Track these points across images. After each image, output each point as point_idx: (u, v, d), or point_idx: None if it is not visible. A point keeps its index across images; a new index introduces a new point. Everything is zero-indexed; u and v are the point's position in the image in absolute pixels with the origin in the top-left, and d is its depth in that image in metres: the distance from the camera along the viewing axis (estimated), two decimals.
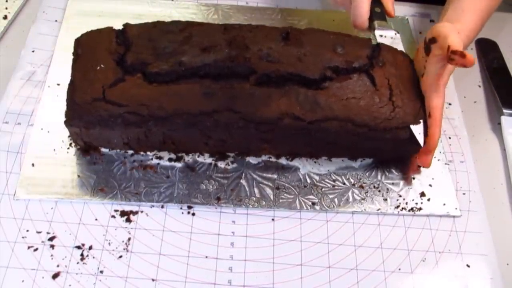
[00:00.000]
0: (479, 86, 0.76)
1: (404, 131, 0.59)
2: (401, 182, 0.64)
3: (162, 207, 0.59)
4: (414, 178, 0.64)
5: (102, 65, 0.57)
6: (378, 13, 0.67)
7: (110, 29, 0.61)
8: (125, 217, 0.58)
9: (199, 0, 0.80)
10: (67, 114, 0.57)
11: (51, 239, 0.56)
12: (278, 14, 0.80)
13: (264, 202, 0.60)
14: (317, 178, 0.63)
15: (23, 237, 0.56)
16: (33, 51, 0.71)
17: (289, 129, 0.58)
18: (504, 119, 0.70)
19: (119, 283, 0.54)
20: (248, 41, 0.60)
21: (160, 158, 0.62)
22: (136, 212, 0.59)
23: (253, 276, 0.56)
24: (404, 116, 0.58)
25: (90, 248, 0.56)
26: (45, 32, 0.73)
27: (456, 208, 0.62)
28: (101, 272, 0.54)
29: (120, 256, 0.56)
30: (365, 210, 0.61)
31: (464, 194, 0.64)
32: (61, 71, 0.66)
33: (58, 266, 0.54)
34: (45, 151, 0.61)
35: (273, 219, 0.60)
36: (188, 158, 0.63)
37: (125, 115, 0.56)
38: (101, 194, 0.59)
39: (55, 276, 0.54)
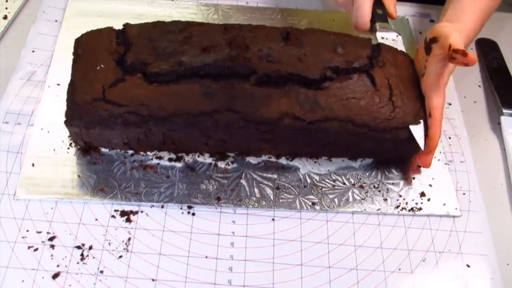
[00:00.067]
0: (479, 86, 0.76)
1: (404, 131, 0.59)
2: (401, 182, 0.64)
3: (162, 207, 0.59)
4: (414, 178, 0.64)
5: (102, 65, 0.57)
6: (380, 15, 0.66)
7: (110, 29, 0.61)
8: (125, 217, 0.58)
9: (199, 0, 0.80)
10: (67, 114, 0.57)
11: (51, 239, 0.56)
12: (278, 14, 0.80)
13: (264, 202, 0.60)
14: (317, 178, 0.63)
15: (23, 237, 0.56)
16: (33, 51, 0.71)
17: (289, 129, 0.58)
18: (504, 119, 0.70)
19: (119, 283, 0.54)
20: (248, 41, 0.60)
21: (160, 158, 0.62)
22: (136, 212, 0.59)
23: (253, 276, 0.56)
24: (404, 116, 0.58)
25: (90, 248, 0.56)
26: (45, 32, 0.73)
27: (456, 208, 0.62)
28: (101, 272, 0.54)
29: (120, 256, 0.56)
30: (365, 210, 0.61)
31: (464, 194, 0.64)
32: (61, 71, 0.66)
33: (58, 266, 0.54)
34: (45, 151, 0.61)
35: (273, 219, 0.60)
36: (188, 158, 0.63)
37: (125, 115, 0.56)
38: (101, 194, 0.59)
39: (55, 276, 0.54)
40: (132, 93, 0.56)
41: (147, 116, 0.56)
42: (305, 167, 0.64)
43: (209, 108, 0.56)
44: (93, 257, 0.55)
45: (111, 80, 0.57)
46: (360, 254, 0.58)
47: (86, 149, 0.62)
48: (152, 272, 0.55)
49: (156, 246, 0.57)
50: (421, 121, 0.59)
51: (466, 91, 0.75)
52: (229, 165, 0.63)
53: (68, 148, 0.62)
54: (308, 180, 0.63)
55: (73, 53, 0.60)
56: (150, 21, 0.62)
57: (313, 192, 0.62)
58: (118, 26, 0.62)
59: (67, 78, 0.58)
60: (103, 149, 0.62)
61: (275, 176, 0.63)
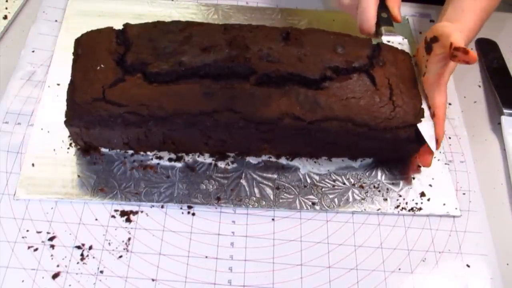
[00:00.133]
0: (479, 86, 0.76)
1: (404, 130, 0.59)
2: (401, 182, 0.64)
3: (162, 207, 0.59)
4: (414, 178, 0.64)
5: (102, 65, 0.57)
6: (385, 19, 0.66)
7: (110, 29, 0.61)
8: (125, 217, 0.58)
9: (199, 0, 0.80)
10: (67, 114, 0.57)
11: (51, 239, 0.56)
12: (278, 14, 0.80)
13: (264, 202, 0.60)
14: (317, 178, 0.63)
15: (23, 237, 0.56)
16: (33, 51, 0.71)
17: (289, 129, 0.58)
18: (504, 119, 0.70)
19: (119, 283, 0.54)
20: (248, 41, 0.60)
21: (160, 158, 0.62)
22: (136, 212, 0.59)
23: (253, 276, 0.56)
24: (405, 116, 0.58)
25: (90, 248, 0.56)
26: (45, 32, 0.73)
27: (456, 208, 0.62)
28: (101, 272, 0.54)
29: (120, 256, 0.56)
30: (365, 210, 0.61)
31: (464, 194, 0.64)
32: (61, 71, 0.66)
33: (58, 266, 0.54)
34: (45, 151, 0.61)
35: (273, 219, 0.60)
36: (188, 158, 0.63)
37: (125, 115, 0.56)
38: (101, 194, 0.59)
39: (55, 276, 0.54)
40: (132, 93, 0.56)
41: (147, 116, 0.56)
42: (305, 167, 0.64)
43: (209, 108, 0.56)
44: (93, 257, 0.55)
45: (111, 80, 0.57)
46: (360, 254, 0.58)
47: (86, 149, 0.62)
48: (152, 272, 0.55)
49: (156, 246, 0.57)
50: (431, 120, 0.59)
51: (466, 91, 0.75)
52: (229, 165, 0.63)
53: (68, 148, 0.62)
54: (308, 180, 0.63)
55: (73, 53, 0.60)
56: (150, 21, 0.62)
57: (313, 192, 0.62)
58: (118, 26, 0.62)
59: (67, 78, 0.58)
60: (103, 149, 0.62)
61: (275, 176, 0.63)
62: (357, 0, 0.65)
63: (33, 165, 0.60)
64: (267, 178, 0.62)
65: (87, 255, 0.55)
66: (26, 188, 0.58)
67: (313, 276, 0.56)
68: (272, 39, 0.61)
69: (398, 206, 0.62)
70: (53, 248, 0.55)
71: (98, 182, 0.60)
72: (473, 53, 0.54)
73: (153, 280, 0.54)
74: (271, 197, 0.61)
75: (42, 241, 0.55)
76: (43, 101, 0.65)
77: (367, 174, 0.64)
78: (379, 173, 0.64)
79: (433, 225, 0.61)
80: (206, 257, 0.56)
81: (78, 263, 0.55)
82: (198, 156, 0.63)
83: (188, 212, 0.59)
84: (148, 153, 0.63)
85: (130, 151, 0.62)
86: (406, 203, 0.62)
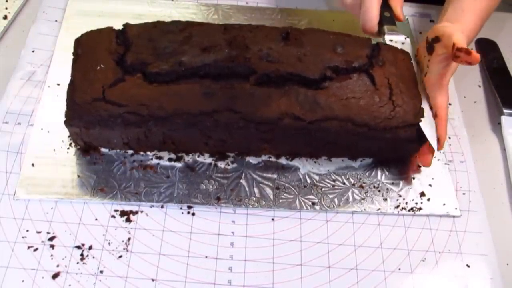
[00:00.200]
0: (479, 86, 0.76)
1: (404, 130, 0.59)
2: (401, 182, 0.64)
3: (162, 207, 0.59)
4: (414, 178, 0.64)
5: (102, 65, 0.57)
6: (388, 18, 0.66)
7: (110, 29, 0.61)
8: (125, 217, 0.58)
9: (199, 0, 0.80)
10: (67, 114, 0.57)
11: (51, 239, 0.56)
12: (278, 14, 0.80)
13: (264, 202, 0.60)
14: (317, 178, 0.63)
15: (23, 237, 0.56)
16: (33, 51, 0.71)
17: (289, 129, 0.58)
18: (504, 119, 0.70)
19: (119, 283, 0.54)
20: (248, 41, 0.60)
21: (160, 158, 0.62)
22: (136, 212, 0.59)
23: (253, 276, 0.56)
24: (404, 115, 0.58)
25: (90, 248, 0.56)
26: (45, 32, 0.73)
27: (456, 208, 0.62)
28: (101, 272, 0.54)
29: (120, 256, 0.56)
30: (365, 210, 0.61)
31: (464, 194, 0.64)
32: (61, 71, 0.66)
33: (58, 266, 0.54)
34: (45, 151, 0.61)
35: (273, 219, 0.60)
36: (188, 158, 0.63)
37: (125, 115, 0.56)
38: (101, 194, 0.59)
39: (55, 276, 0.54)
40: (132, 93, 0.56)
41: (147, 116, 0.56)
42: (305, 167, 0.64)
43: (209, 108, 0.56)
44: (93, 257, 0.55)
45: (111, 80, 0.57)
46: (360, 254, 0.58)
47: (86, 149, 0.62)
48: (152, 272, 0.55)
49: (156, 246, 0.57)
50: (432, 119, 0.59)
51: (466, 91, 0.75)
52: (229, 165, 0.63)
53: (68, 148, 0.62)
54: (308, 180, 0.63)
55: (73, 53, 0.60)
56: (150, 21, 0.62)
57: (313, 192, 0.62)
58: (118, 26, 0.62)
59: (67, 78, 0.58)
60: (103, 149, 0.62)
61: (275, 176, 0.63)
62: None
63: (33, 165, 0.60)
64: (267, 178, 0.62)
65: (87, 255, 0.55)
66: (26, 188, 0.58)
67: (313, 276, 0.56)
68: (272, 39, 0.61)
69: (398, 206, 0.62)
70: (53, 248, 0.55)
71: (98, 182, 0.60)
72: (476, 53, 0.54)
73: (153, 280, 0.54)
74: (271, 197, 0.61)
75: (42, 241, 0.55)
76: (43, 101, 0.65)
77: (367, 174, 0.64)
78: (379, 173, 0.64)
79: (433, 225, 0.61)
80: (206, 257, 0.56)
81: (78, 263, 0.55)
82: (198, 156, 0.63)
83: (188, 212, 0.59)
84: (148, 153, 0.63)
85: (130, 151, 0.62)
86: (406, 203, 0.62)
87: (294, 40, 0.61)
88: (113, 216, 0.58)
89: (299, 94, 0.57)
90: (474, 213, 0.62)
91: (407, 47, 0.65)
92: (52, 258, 0.55)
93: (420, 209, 0.62)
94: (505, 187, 0.65)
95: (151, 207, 0.59)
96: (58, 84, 0.67)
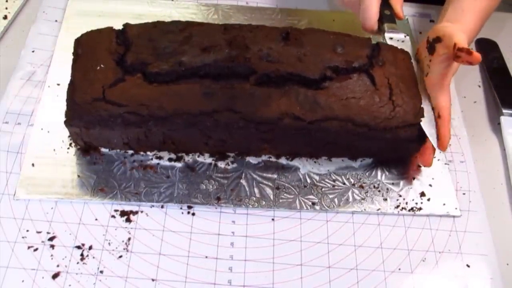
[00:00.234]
0: (479, 86, 0.76)
1: (404, 130, 0.59)
2: (401, 182, 0.64)
3: (162, 207, 0.59)
4: (414, 178, 0.64)
5: (102, 65, 0.57)
6: (388, 16, 0.66)
7: (110, 29, 0.61)
8: (125, 217, 0.58)
9: (199, 0, 0.80)
10: (67, 114, 0.57)
11: (51, 239, 0.56)
12: (278, 14, 0.80)
13: (264, 202, 0.60)
14: (317, 178, 0.63)
15: (23, 237, 0.56)
16: (33, 51, 0.71)
17: (289, 129, 0.58)
18: (504, 119, 0.70)
19: (119, 283, 0.54)
20: (248, 41, 0.60)
21: (160, 158, 0.62)
22: (136, 212, 0.59)
23: (253, 276, 0.56)
24: (405, 115, 0.58)
25: (90, 248, 0.56)
26: (45, 32, 0.73)
27: (456, 208, 0.62)
28: (101, 272, 0.54)
29: (120, 256, 0.56)
30: (365, 210, 0.61)
31: (464, 194, 0.64)
32: (61, 71, 0.66)
33: (58, 266, 0.54)
34: (45, 151, 0.61)
35: (273, 219, 0.60)
36: (188, 158, 0.63)
37: (125, 115, 0.56)
38: (101, 194, 0.59)
39: (55, 276, 0.54)
40: (132, 93, 0.56)
41: (147, 116, 0.56)
42: (305, 167, 0.64)
43: (209, 108, 0.56)
44: (93, 257, 0.55)
45: (111, 80, 0.57)
46: (360, 254, 0.58)
47: (86, 149, 0.62)
48: (152, 272, 0.55)
49: (156, 246, 0.57)
50: (433, 119, 0.59)
51: (466, 91, 0.75)
52: (229, 165, 0.63)
53: (68, 148, 0.62)
54: (308, 180, 0.63)
55: (73, 53, 0.60)
56: (150, 21, 0.62)
57: (313, 192, 0.62)
58: (118, 26, 0.62)
59: (67, 78, 0.58)
60: (103, 149, 0.62)
61: (275, 176, 0.63)
62: None
63: (33, 165, 0.60)
64: (267, 178, 0.62)
65: (87, 255, 0.55)
66: (26, 188, 0.58)
67: (313, 276, 0.56)
68: (272, 39, 0.61)
69: (398, 206, 0.62)
70: (53, 248, 0.55)
71: (98, 182, 0.60)
72: (477, 53, 0.54)
73: (153, 280, 0.54)
74: (271, 197, 0.61)
75: (42, 241, 0.55)
76: (43, 101, 0.65)
77: (367, 174, 0.64)
78: (379, 173, 0.64)
79: (433, 225, 0.61)
80: (206, 257, 0.56)
81: (78, 263, 0.55)
82: (198, 156, 0.63)
83: (188, 212, 0.59)
84: (148, 153, 0.63)
85: (130, 151, 0.62)
86: (406, 203, 0.62)
87: (294, 40, 0.61)
88: (113, 216, 0.58)
89: (299, 94, 0.57)
90: (474, 213, 0.62)
91: (407, 45, 0.65)
92: (52, 258, 0.55)
93: (420, 209, 0.62)
94: (505, 187, 0.65)
95: (151, 207, 0.59)
96: (58, 84, 0.67)
